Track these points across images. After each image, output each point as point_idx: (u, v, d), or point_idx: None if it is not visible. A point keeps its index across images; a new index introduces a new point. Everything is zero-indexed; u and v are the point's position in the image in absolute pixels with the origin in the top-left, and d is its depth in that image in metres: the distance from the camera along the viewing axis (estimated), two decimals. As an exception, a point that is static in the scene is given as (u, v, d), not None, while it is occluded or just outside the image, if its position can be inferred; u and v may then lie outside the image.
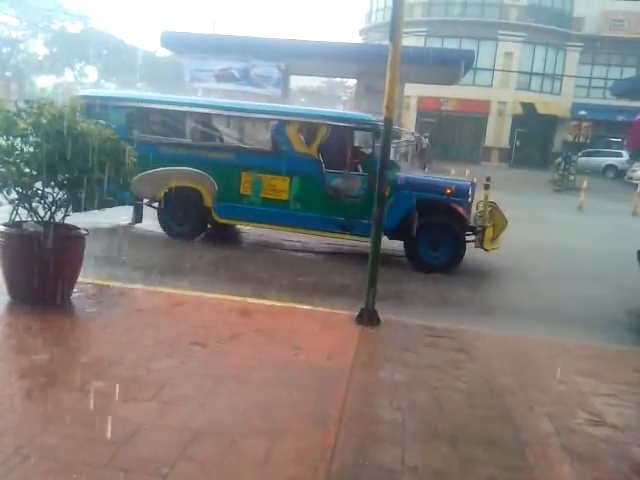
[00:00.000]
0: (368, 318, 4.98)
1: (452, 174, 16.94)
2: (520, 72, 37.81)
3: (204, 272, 6.93)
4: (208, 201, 8.33)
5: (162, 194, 8.31)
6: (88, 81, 58.29)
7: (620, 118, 34.50)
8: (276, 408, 3.39)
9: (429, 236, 7.83)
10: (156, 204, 8.65)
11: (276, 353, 4.24)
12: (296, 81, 49.22)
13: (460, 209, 7.74)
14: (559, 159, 28.54)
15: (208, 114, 8.53)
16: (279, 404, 3.44)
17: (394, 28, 4.89)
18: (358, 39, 43.65)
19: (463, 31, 36.33)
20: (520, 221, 10.64)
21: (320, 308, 5.42)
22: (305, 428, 3.19)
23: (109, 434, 2.92)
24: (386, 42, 4.99)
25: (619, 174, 32.25)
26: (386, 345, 4.70)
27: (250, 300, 5.52)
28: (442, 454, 3.06)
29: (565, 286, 7.66)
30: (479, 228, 7.82)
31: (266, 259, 8.11)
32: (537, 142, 38.31)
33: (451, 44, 35.83)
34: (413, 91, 34.64)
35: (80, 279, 5.11)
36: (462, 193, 7.97)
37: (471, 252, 8.06)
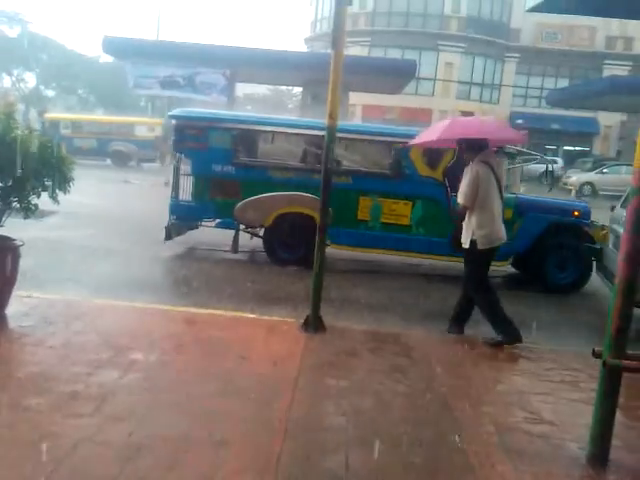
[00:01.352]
0: (313, 325, 4.99)
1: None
2: (460, 82, 38.89)
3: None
4: None
5: (271, 220, 7.87)
6: (26, 87, 56.31)
7: (555, 126, 35.93)
8: (221, 419, 3.35)
9: (557, 257, 7.83)
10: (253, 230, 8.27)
11: (221, 363, 4.19)
12: (242, 88, 49.08)
13: (589, 231, 7.75)
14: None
15: (321, 136, 8.02)
16: (224, 415, 3.40)
17: (336, 37, 4.95)
18: (304, 48, 43.89)
19: (405, 41, 37.13)
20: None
21: (266, 317, 5.40)
22: (250, 438, 3.17)
23: (47, 451, 2.82)
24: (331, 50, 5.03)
25: (555, 180, 33.47)
26: (331, 351, 4.72)
27: (194, 310, 5.45)
28: (386, 458, 3.09)
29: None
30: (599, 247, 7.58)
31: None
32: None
33: (394, 54, 36.51)
34: (358, 100, 35.08)
35: (17, 293, 4.92)
36: (587, 215, 8.04)
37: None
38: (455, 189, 7.35)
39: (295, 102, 49.51)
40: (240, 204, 7.79)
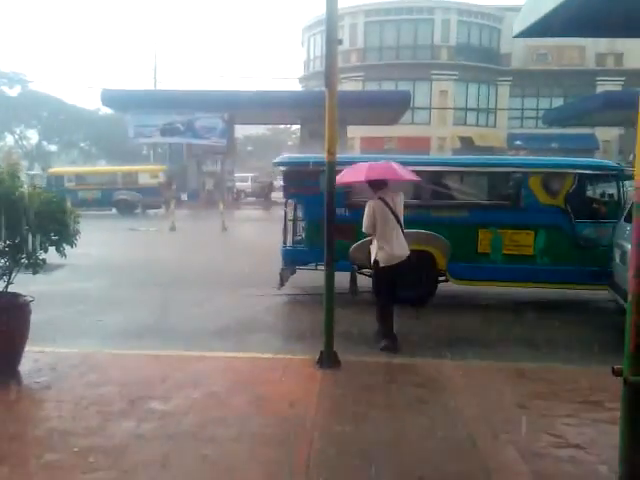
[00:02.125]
0: (328, 361, 4.95)
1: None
2: (455, 108, 39.36)
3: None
4: (441, 263, 7.75)
5: None
6: (29, 143, 57.33)
7: (554, 145, 36.11)
8: (241, 464, 3.30)
9: None
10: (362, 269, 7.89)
11: (238, 406, 4.14)
12: (241, 130, 49.79)
13: None
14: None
15: (436, 172, 8.05)
16: (244, 460, 3.35)
17: (329, 75, 5.04)
18: (298, 87, 44.65)
19: (398, 73, 37.77)
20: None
21: (280, 355, 5.35)
22: (271, 482, 3.11)
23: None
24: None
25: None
26: (348, 387, 4.66)
27: (208, 354, 5.41)
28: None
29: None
30: None
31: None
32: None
33: (388, 86, 37.12)
34: (356, 132, 35.53)
35: (30, 348, 4.92)
36: None
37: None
38: (577, 215, 7.57)
39: (294, 139, 50.11)
40: (356, 245, 7.68)
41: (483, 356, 5.62)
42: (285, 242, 8.42)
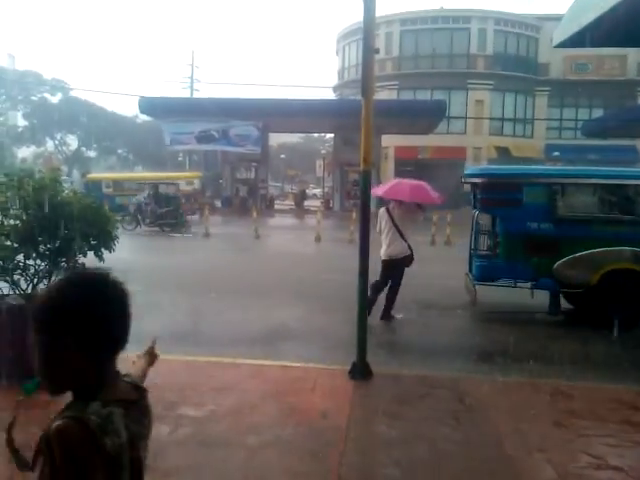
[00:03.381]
0: (361, 372, 4.91)
1: (434, 221, 17.06)
2: (491, 118, 38.91)
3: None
4: None
5: (597, 278, 7.26)
6: (69, 149, 58.80)
7: (592, 157, 35.41)
8: (274, 473, 3.28)
9: None
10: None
11: (271, 414, 4.13)
12: (275, 138, 50.17)
13: None
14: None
15: None
16: (277, 469, 3.33)
17: (365, 84, 5.03)
18: (332, 95, 44.80)
19: (434, 82, 37.58)
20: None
21: (312, 364, 5.33)
22: (303, 493, 3.08)
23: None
24: (360, 96, 5.12)
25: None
26: (380, 399, 4.61)
27: (241, 361, 5.42)
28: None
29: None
30: None
31: None
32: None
33: (423, 95, 36.95)
34: (390, 141, 35.41)
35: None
36: None
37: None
38: None
39: (327, 148, 50.23)
40: (563, 262, 7.35)
41: (520, 371, 5.50)
42: (478, 256, 8.03)
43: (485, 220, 8.22)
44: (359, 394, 4.63)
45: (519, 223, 7.47)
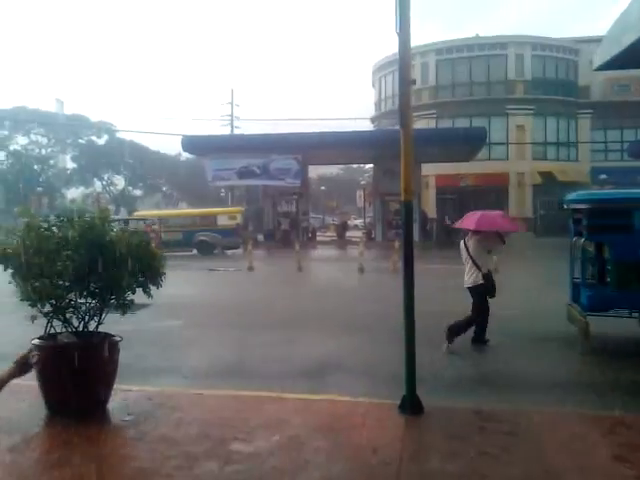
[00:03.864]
0: (410, 406, 4.80)
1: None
2: (534, 143, 38.43)
3: None
4: None
5: None
6: (115, 189, 60.72)
7: (641, 178, 34.44)
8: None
9: None
10: None
11: (321, 451, 4.07)
12: (315, 170, 50.69)
13: None
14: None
15: None
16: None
17: (403, 114, 5.04)
18: (370, 126, 45.13)
19: (472, 110, 37.46)
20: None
21: (361, 399, 5.25)
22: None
23: None
24: (398, 126, 5.13)
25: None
26: (432, 434, 4.49)
27: (289, 395, 5.38)
28: None
29: None
30: None
31: None
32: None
33: (462, 123, 36.83)
34: (431, 170, 35.30)
35: (117, 386, 5.08)
36: None
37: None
38: None
39: (367, 178, 50.39)
40: None
41: (579, 403, 5.29)
42: (586, 285, 7.79)
43: (590, 247, 7.85)
44: (410, 429, 4.51)
45: (631, 250, 7.17)
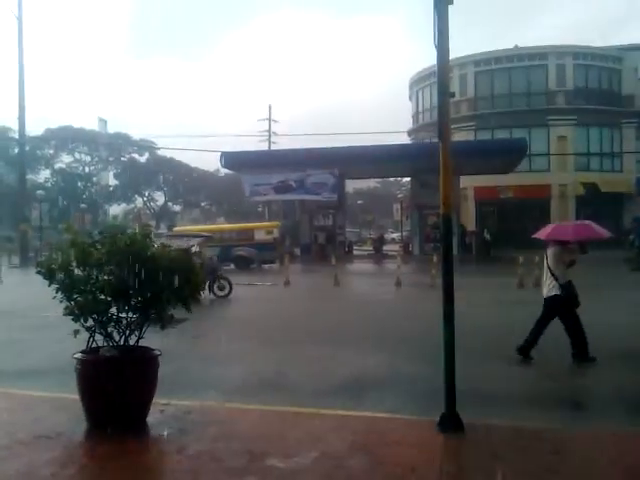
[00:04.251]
0: (450, 424, 4.69)
1: (520, 262, 16.40)
2: (576, 154, 37.61)
3: None
4: None
5: None
6: (156, 205, 62.01)
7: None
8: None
9: None
10: None
11: (357, 467, 4.01)
12: (351, 184, 50.71)
13: None
14: (631, 236, 27.43)
15: None
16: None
17: (442, 127, 4.99)
18: (407, 140, 44.98)
19: (512, 121, 36.90)
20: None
21: (398, 416, 5.16)
22: None
23: None
24: (436, 139, 5.08)
25: None
26: (473, 453, 4.37)
27: (327, 411, 5.33)
28: None
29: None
30: None
31: None
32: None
33: (501, 134, 36.35)
34: (469, 182, 34.88)
35: (157, 400, 5.12)
36: None
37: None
38: None
39: (404, 191, 50.17)
40: None
41: (628, 421, 5.09)
42: None
43: None
44: (449, 447, 4.41)
45: None
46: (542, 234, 7.90)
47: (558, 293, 7.45)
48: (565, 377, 7.08)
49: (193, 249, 15.01)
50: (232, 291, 14.89)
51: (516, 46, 40.48)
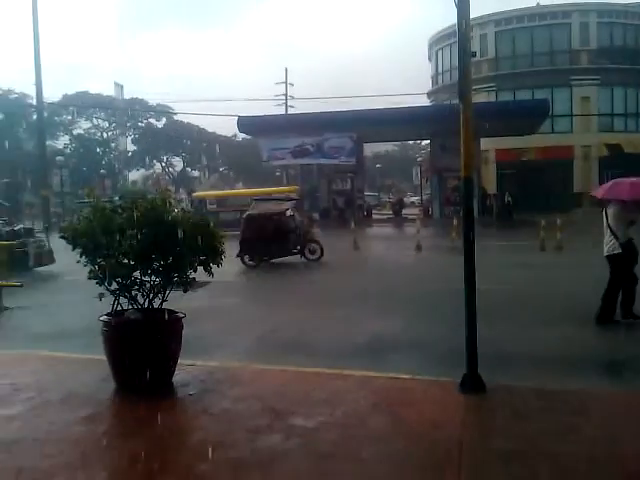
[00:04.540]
0: (471, 385, 4.72)
1: (542, 225, 16.23)
2: (599, 114, 36.71)
3: None
4: None
5: None
6: (174, 170, 62.18)
7: None
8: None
9: None
10: None
11: (380, 426, 4.07)
12: (370, 148, 50.26)
13: None
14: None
15: None
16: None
17: (463, 88, 4.90)
18: (427, 102, 44.21)
19: (534, 81, 36.03)
20: None
21: (420, 376, 5.21)
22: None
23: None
24: (456, 101, 4.99)
25: None
26: (495, 413, 4.42)
27: (349, 372, 5.40)
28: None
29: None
30: None
31: None
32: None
33: (523, 95, 35.54)
34: (490, 145, 34.35)
35: (181, 361, 5.23)
36: None
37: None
38: None
39: (423, 154, 49.57)
40: None
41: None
42: None
43: None
44: (471, 407, 4.45)
45: None
46: (599, 192, 7.80)
47: (619, 251, 7.37)
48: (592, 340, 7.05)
49: (288, 213, 15.03)
50: (323, 255, 14.67)
51: (538, 4, 39.26)
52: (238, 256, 13.87)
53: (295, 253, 14.74)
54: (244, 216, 15.44)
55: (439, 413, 4.32)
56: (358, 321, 8.01)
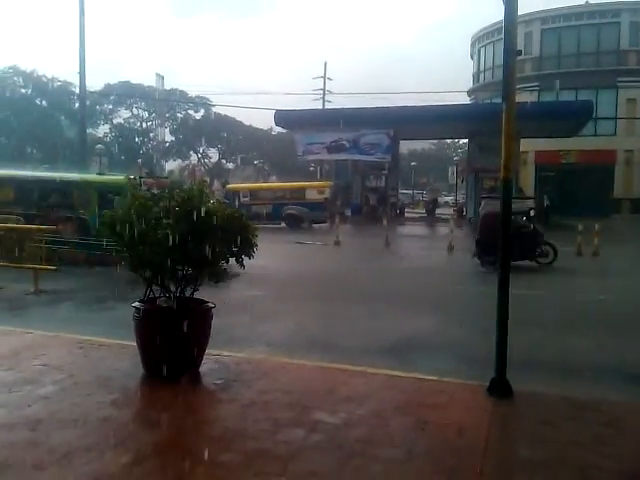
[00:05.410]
0: (499, 390, 4.65)
1: (580, 229, 15.85)
2: (647, 118, 35.69)
3: None
4: None
5: None
6: (210, 162, 62.74)
7: None
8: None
9: None
10: None
11: (404, 429, 4.05)
12: (406, 145, 49.83)
13: None
14: None
15: None
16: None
17: (507, 87, 4.80)
18: (467, 100, 43.62)
19: (578, 82, 35.20)
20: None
21: (447, 378, 5.16)
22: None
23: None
24: (497, 100, 4.89)
25: None
26: (522, 419, 4.34)
27: (375, 370, 5.38)
28: None
29: None
30: None
31: None
32: None
33: (566, 96, 34.76)
34: (530, 146, 33.71)
35: (209, 351, 5.28)
36: None
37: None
38: None
39: (460, 154, 48.96)
40: None
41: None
42: None
43: None
44: (497, 412, 4.39)
45: None
46: None
47: None
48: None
49: (532, 212, 14.04)
50: (557, 258, 13.34)
51: (587, 2, 38.28)
52: (475, 256, 12.94)
53: (534, 257, 13.22)
54: (481, 214, 13.91)
55: (465, 416, 4.27)
56: (386, 319, 7.97)
